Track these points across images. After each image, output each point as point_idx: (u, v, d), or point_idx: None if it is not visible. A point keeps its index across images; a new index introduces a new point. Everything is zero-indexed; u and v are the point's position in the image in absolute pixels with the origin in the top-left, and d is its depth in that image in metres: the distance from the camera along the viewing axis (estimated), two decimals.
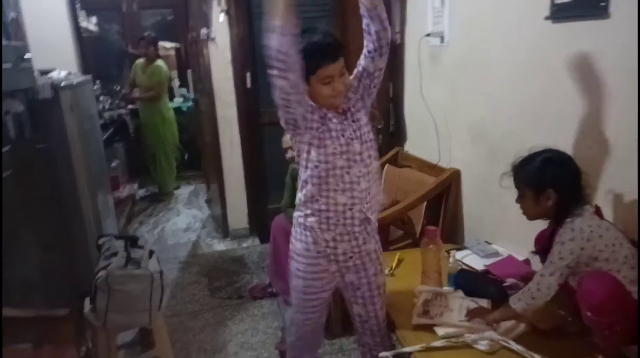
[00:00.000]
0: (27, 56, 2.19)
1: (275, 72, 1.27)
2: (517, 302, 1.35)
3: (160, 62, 4.30)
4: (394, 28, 2.71)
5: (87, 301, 1.95)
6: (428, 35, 2.36)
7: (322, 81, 1.38)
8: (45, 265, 2.11)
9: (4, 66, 1.94)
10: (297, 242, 1.50)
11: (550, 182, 1.34)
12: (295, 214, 1.52)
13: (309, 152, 1.41)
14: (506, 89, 1.90)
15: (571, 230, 1.28)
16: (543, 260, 1.42)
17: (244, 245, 3.38)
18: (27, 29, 2.28)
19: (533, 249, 1.53)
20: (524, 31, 1.75)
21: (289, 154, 2.40)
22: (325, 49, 1.37)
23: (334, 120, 1.42)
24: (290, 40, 1.24)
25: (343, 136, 1.41)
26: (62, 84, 2.33)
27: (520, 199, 1.43)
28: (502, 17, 1.86)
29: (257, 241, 3.43)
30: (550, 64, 1.64)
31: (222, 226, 3.50)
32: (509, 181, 1.85)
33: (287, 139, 2.39)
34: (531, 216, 1.43)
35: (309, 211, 1.44)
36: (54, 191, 2.32)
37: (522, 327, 1.45)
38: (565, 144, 1.54)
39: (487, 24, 1.96)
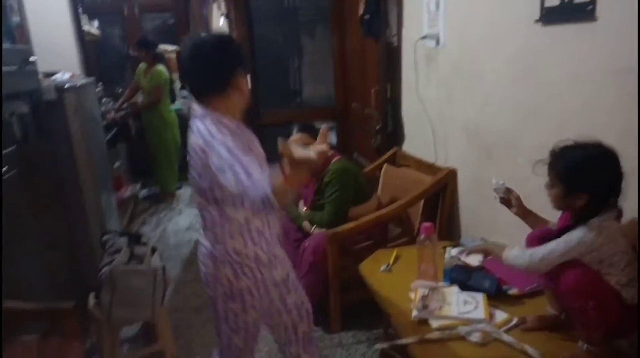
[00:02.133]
0: (31, 58, 2.24)
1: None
2: (510, 252, 1.38)
3: (160, 67, 4.33)
4: (391, 31, 2.76)
5: (91, 296, 2.00)
6: (424, 37, 2.41)
7: (245, 78, 1.47)
8: (51, 262, 2.16)
9: (10, 68, 1.99)
10: None
11: (586, 186, 1.25)
12: None
13: None
14: (498, 90, 1.95)
15: (595, 229, 1.24)
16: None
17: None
18: (31, 32, 2.33)
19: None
20: (515, 34, 1.80)
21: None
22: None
23: None
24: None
25: None
26: (66, 86, 2.39)
27: (549, 187, 1.33)
28: (495, 19, 1.91)
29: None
30: (541, 66, 1.69)
31: None
32: (504, 180, 1.90)
33: (296, 138, 2.40)
34: (556, 207, 1.36)
35: None
36: (58, 191, 2.37)
37: (514, 321, 1.49)
38: (554, 143, 1.57)
39: (481, 27, 2.01)
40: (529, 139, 1.80)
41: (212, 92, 1.39)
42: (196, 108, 1.41)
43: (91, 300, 1.99)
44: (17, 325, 1.67)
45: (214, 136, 1.32)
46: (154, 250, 2.05)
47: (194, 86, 1.43)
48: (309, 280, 2.30)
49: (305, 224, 2.47)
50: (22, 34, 2.22)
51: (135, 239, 2.06)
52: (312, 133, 2.41)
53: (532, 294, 1.62)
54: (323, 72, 3.78)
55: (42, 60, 2.35)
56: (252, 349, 1.63)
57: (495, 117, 2.00)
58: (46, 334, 1.63)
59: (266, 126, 3.46)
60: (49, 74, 2.55)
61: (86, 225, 2.49)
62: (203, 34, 1.57)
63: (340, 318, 2.31)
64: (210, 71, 1.38)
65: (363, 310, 2.21)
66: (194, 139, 1.37)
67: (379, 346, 1.52)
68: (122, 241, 2.05)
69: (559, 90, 1.63)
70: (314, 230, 2.41)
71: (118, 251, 1.98)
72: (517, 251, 1.38)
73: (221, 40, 1.43)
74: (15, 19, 2.16)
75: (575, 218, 1.32)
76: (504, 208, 1.96)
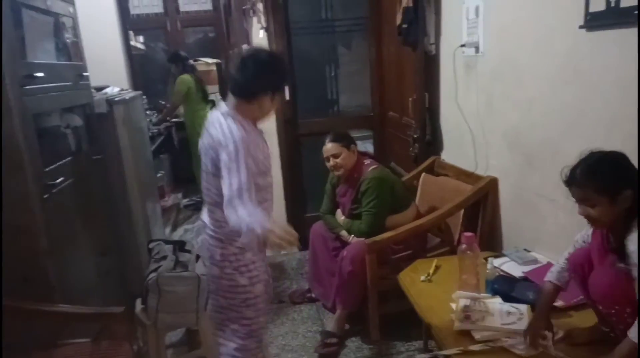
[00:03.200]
0: (85, 74, 2.37)
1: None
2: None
3: (183, 76, 4.47)
4: (429, 39, 2.76)
5: (138, 301, 2.08)
6: (463, 45, 2.39)
7: (278, 99, 1.69)
8: (101, 268, 2.26)
9: (66, 84, 2.12)
10: None
11: (627, 181, 1.23)
12: None
13: None
14: (540, 97, 1.91)
15: None
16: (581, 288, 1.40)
17: (283, 252, 3.46)
18: (85, 50, 2.47)
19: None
20: (558, 40, 1.76)
21: (330, 163, 2.47)
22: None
23: None
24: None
25: None
26: (115, 99, 2.51)
27: (589, 208, 1.28)
28: (536, 26, 1.88)
29: (295, 248, 3.51)
30: (585, 72, 1.65)
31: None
32: (547, 189, 1.86)
33: (327, 148, 2.46)
34: (605, 224, 1.30)
35: None
36: (108, 199, 2.49)
37: (560, 334, 1.45)
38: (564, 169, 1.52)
39: (522, 33, 1.98)
40: (574, 147, 1.74)
41: (240, 98, 1.60)
42: (222, 105, 1.65)
43: (138, 305, 2.07)
44: (71, 327, 1.76)
45: (232, 132, 1.52)
46: (197, 257, 2.11)
47: (230, 85, 1.64)
48: (346, 289, 2.31)
49: (343, 233, 2.48)
50: (76, 51, 2.35)
51: (180, 246, 2.13)
52: (344, 142, 2.44)
53: (579, 307, 1.57)
54: (359, 81, 3.80)
55: (93, 75, 2.49)
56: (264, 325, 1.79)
57: (538, 125, 1.96)
58: (98, 337, 1.71)
59: (303, 135, 3.50)
60: (100, 89, 2.68)
61: (134, 233, 2.59)
62: (261, 49, 1.74)
63: (379, 328, 2.30)
64: (246, 80, 1.58)
65: (402, 321, 2.20)
66: (213, 131, 1.58)
67: (421, 356, 1.51)
68: (168, 248, 2.12)
69: (605, 96, 1.59)
70: (352, 239, 2.42)
71: (164, 258, 2.05)
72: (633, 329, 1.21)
73: (268, 61, 1.61)
74: (71, 37, 2.29)
75: (617, 228, 1.27)
76: (548, 217, 1.92)
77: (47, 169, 1.85)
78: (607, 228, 1.32)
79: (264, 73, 1.58)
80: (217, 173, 1.56)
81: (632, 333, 1.18)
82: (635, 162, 1.30)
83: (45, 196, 1.77)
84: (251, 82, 1.57)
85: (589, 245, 1.40)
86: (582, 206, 1.29)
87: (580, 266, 1.38)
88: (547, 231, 1.95)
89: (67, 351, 1.65)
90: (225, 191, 1.46)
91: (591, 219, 1.29)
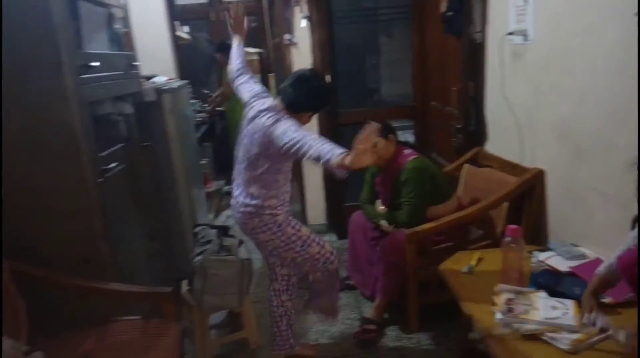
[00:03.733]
0: (135, 63, 2.46)
1: (311, 158, 1.75)
2: None
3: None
4: (474, 27, 2.69)
5: (184, 283, 2.17)
6: (511, 33, 2.33)
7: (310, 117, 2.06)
8: (149, 250, 2.36)
9: (118, 73, 2.21)
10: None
11: None
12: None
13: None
14: (593, 88, 1.84)
15: None
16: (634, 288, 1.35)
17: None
18: (134, 40, 2.56)
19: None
20: (611, 27, 1.69)
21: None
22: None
23: None
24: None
25: None
26: (164, 88, 2.59)
27: None
28: (590, 13, 1.81)
29: (334, 237, 3.55)
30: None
31: (301, 222, 3.65)
32: (598, 182, 1.80)
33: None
34: None
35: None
36: (156, 184, 2.59)
37: (609, 332, 1.41)
38: None
39: (574, 21, 1.91)
40: (628, 139, 1.68)
41: (286, 105, 1.96)
42: (275, 102, 1.99)
43: (184, 286, 2.16)
44: (123, 305, 1.86)
45: (280, 119, 1.89)
46: (240, 242, 2.17)
47: (281, 94, 1.99)
48: (386, 279, 2.32)
49: (383, 223, 2.49)
50: (127, 41, 2.44)
51: (224, 231, 2.20)
52: (385, 131, 2.43)
53: (629, 304, 1.52)
54: (401, 70, 3.76)
55: (142, 64, 2.58)
56: (330, 250, 2.12)
57: (590, 116, 1.89)
58: (148, 315, 1.80)
59: (343, 125, 3.50)
60: (149, 77, 2.77)
61: (180, 217, 2.69)
62: (317, 73, 2.10)
63: (418, 319, 2.31)
64: (296, 96, 1.94)
65: (441, 312, 2.19)
66: (262, 120, 1.91)
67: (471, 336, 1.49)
68: (213, 233, 2.19)
69: None
70: (392, 229, 2.42)
71: (209, 242, 2.13)
72: None
73: (318, 87, 1.99)
74: (122, 28, 2.38)
75: None
76: (598, 212, 1.86)
77: (101, 154, 1.94)
78: None
79: (311, 96, 1.95)
80: (263, 152, 1.90)
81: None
82: None
83: (100, 180, 1.86)
84: (299, 100, 1.94)
85: None
86: None
87: (630, 269, 1.33)
88: (597, 225, 1.89)
89: (120, 327, 1.75)
90: (296, 140, 1.77)
91: None
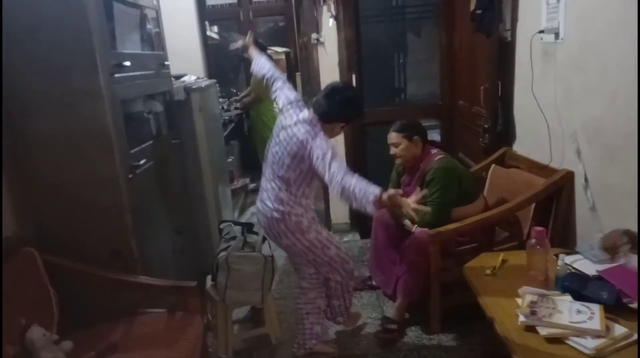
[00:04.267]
0: (166, 63, 2.53)
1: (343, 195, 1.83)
2: None
3: None
4: (504, 25, 2.65)
5: (208, 278, 2.21)
6: (541, 32, 2.28)
7: (343, 128, 2.14)
8: (176, 245, 2.42)
9: (149, 72, 2.27)
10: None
11: None
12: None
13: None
14: (624, 87, 1.79)
15: None
16: None
17: (345, 239, 3.52)
18: (165, 40, 2.62)
19: None
20: None
21: (391, 151, 2.47)
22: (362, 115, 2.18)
23: None
24: None
25: None
26: (192, 87, 2.65)
27: None
28: (622, 10, 1.75)
29: (357, 236, 3.55)
30: None
31: (324, 221, 3.67)
32: (630, 185, 1.75)
33: (390, 137, 2.46)
34: None
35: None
36: (184, 181, 2.65)
37: (634, 336, 1.38)
38: None
39: (605, 18, 1.85)
40: None
41: (319, 118, 2.03)
42: (310, 115, 2.04)
43: (208, 281, 2.21)
44: (150, 298, 1.92)
45: (316, 135, 1.96)
46: (264, 239, 2.21)
47: (314, 105, 2.06)
48: (408, 279, 2.31)
49: (407, 222, 2.48)
50: (158, 41, 2.51)
51: (248, 228, 2.24)
52: (406, 132, 2.42)
53: None
54: (428, 69, 3.73)
55: (172, 64, 2.64)
56: (345, 252, 2.20)
57: (622, 117, 1.84)
58: (173, 308, 1.85)
59: (369, 124, 3.50)
60: (178, 77, 2.84)
61: (206, 214, 2.75)
62: (350, 86, 2.28)
63: (440, 320, 2.29)
64: (329, 108, 2.01)
65: (464, 314, 2.17)
66: (297, 131, 1.98)
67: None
68: (237, 229, 2.24)
69: None
70: (415, 229, 2.41)
71: (233, 238, 2.17)
72: None
73: (351, 99, 2.06)
74: (154, 28, 2.45)
75: None
76: (630, 215, 1.81)
77: (132, 151, 2.00)
78: None
79: (344, 106, 2.01)
80: (296, 163, 1.98)
81: None
82: None
83: (130, 176, 1.92)
84: (332, 111, 2.00)
85: None
86: None
87: None
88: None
89: (147, 319, 1.81)
90: (329, 179, 1.84)
91: None
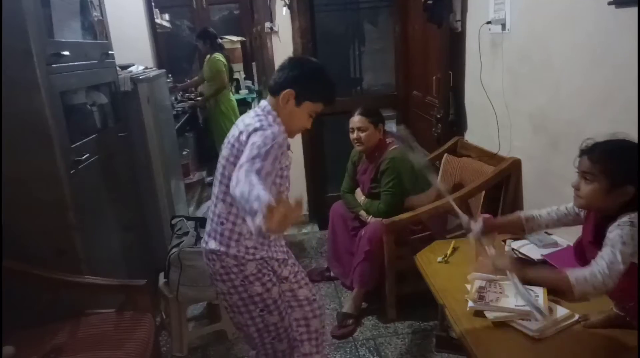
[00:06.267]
0: (110, 52, 2.41)
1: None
2: (577, 282, 1.21)
3: (216, 54, 4.46)
4: (454, 16, 2.69)
5: (161, 275, 2.16)
6: (489, 22, 2.33)
7: (312, 112, 1.53)
8: (126, 242, 2.33)
9: (92, 62, 2.16)
10: None
11: (634, 179, 1.20)
12: None
13: None
14: (568, 78, 1.85)
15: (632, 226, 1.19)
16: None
17: (304, 230, 3.51)
18: (110, 28, 2.50)
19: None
20: (586, 17, 1.69)
21: (354, 135, 2.45)
22: (334, 93, 1.58)
23: None
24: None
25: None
26: (140, 78, 2.55)
27: (584, 184, 1.28)
28: (565, 2, 1.81)
29: (316, 227, 3.55)
30: (615, 51, 1.58)
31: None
32: (572, 172, 1.81)
33: (355, 120, 2.44)
34: (589, 206, 1.32)
35: None
36: (132, 176, 2.55)
37: (576, 317, 1.44)
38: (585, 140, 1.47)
39: (550, 11, 1.91)
40: (601, 129, 1.68)
41: (270, 94, 1.53)
42: (262, 102, 1.56)
43: (161, 279, 2.15)
44: (97, 299, 1.84)
45: (271, 123, 1.43)
46: None
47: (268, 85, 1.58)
48: (364, 268, 2.33)
49: (362, 213, 2.49)
50: (102, 29, 2.39)
51: (202, 223, 2.18)
52: (373, 118, 2.43)
53: None
54: (384, 59, 3.75)
55: (118, 53, 2.52)
56: (289, 324, 1.62)
57: (565, 106, 1.91)
58: (121, 307, 1.78)
59: (326, 114, 3.48)
60: (125, 67, 2.72)
61: (157, 209, 2.66)
62: (308, 58, 1.72)
63: (396, 308, 2.33)
64: (276, 77, 1.52)
65: (419, 301, 2.21)
66: (247, 119, 1.47)
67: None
68: (190, 224, 2.18)
69: (633, 77, 1.52)
70: (370, 219, 2.43)
71: (186, 234, 2.11)
72: (580, 273, 1.23)
73: (301, 63, 1.56)
74: (96, 15, 2.33)
75: (608, 216, 1.26)
76: (571, 201, 1.88)
77: (73, 145, 1.90)
78: (599, 222, 1.31)
79: (292, 70, 1.50)
80: (235, 162, 1.37)
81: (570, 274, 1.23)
82: None
83: (72, 171, 1.83)
84: (279, 78, 1.50)
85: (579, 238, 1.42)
86: (581, 179, 1.30)
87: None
88: None
89: (94, 320, 1.74)
90: (244, 164, 1.27)
91: (578, 194, 1.31)
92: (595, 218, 1.35)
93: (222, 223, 1.48)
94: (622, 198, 1.23)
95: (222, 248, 1.47)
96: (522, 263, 1.54)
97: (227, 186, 1.41)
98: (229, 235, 1.47)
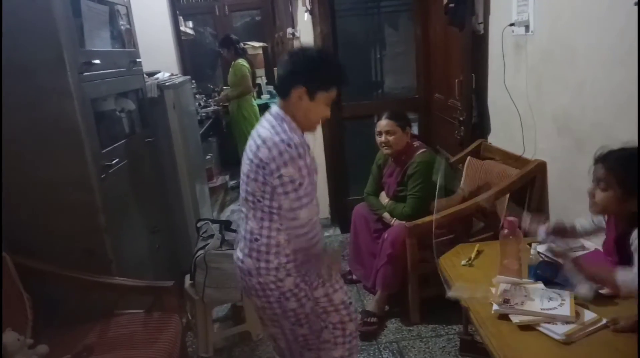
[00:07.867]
0: (137, 60, 2.48)
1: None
2: (625, 278, 1.23)
3: (240, 60, 4.54)
4: (477, 18, 2.68)
5: (187, 277, 2.20)
6: (512, 24, 2.31)
7: (328, 100, 1.46)
8: (153, 245, 2.39)
9: (120, 70, 2.23)
10: None
11: None
12: None
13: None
14: (593, 78, 1.83)
15: None
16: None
17: (326, 234, 3.53)
18: (137, 36, 2.58)
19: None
20: (612, 18, 1.67)
21: (382, 138, 2.46)
22: (343, 73, 1.49)
23: None
24: None
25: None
26: (166, 84, 2.61)
27: (599, 191, 1.32)
28: (590, 4, 1.79)
29: (338, 231, 3.56)
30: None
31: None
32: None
33: (383, 124, 2.45)
34: (602, 211, 1.35)
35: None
36: (159, 180, 2.62)
37: (603, 321, 1.42)
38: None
39: (575, 11, 1.89)
40: (627, 130, 1.67)
41: (279, 97, 1.48)
42: (273, 107, 1.51)
43: (187, 280, 2.19)
44: (126, 299, 1.89)
45: (280, 151, 1.37)
46: None
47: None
48: (387, 271, 2.33)
49: (386, 215, 2.50)
50: (130, 38, 2.46)
51: (227, 226, 2.23)
52: (401, 121, 2.44)
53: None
54: (405, 63, 3.74)
55: (145, 61, 2.59)
56: (319, 331, 1.62)
57: (589, 107, 1.88)
58: (150, 308, 1.83)
59: (347, 118, 3.50)
60: (151, 74, 2.80)
61: (183, 212, 2.72)
62: (308, 46, 1.56)
63: (419, 311, 2.32)
64: (280, 75, 1.46)
65: (442, 304, 2.19)
66: (263, 132, 1.43)
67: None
68: (215, 227, 2.22)
69: None
70: (394, 222, 2.43)
71: (211, 236, 2.15)
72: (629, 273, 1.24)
73: (303, 55, 1.45)
74: (124, 24, 2.40)
75: (624, 223, 1.29)
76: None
77: (104, 151, 1.97)
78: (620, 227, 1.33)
79: (295, 65, 1.42)
80: (257, 179, 1.42)
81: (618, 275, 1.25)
82: None
83: (103, 176, 1.89)
84: (284, 76, 1.44)
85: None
86: (595, 186, 1.33)
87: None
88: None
89: (123, 320, 1.79)
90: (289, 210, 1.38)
91: (594, 201, 1.34)
92: (615, 223, 1.35)
93: (256, 240, 1.47)
94: (634, 206, 1.24)
95: (262, 264, 1.46)
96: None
97: (254, 203, 1.45)
98: (266, 250, 1.45)
